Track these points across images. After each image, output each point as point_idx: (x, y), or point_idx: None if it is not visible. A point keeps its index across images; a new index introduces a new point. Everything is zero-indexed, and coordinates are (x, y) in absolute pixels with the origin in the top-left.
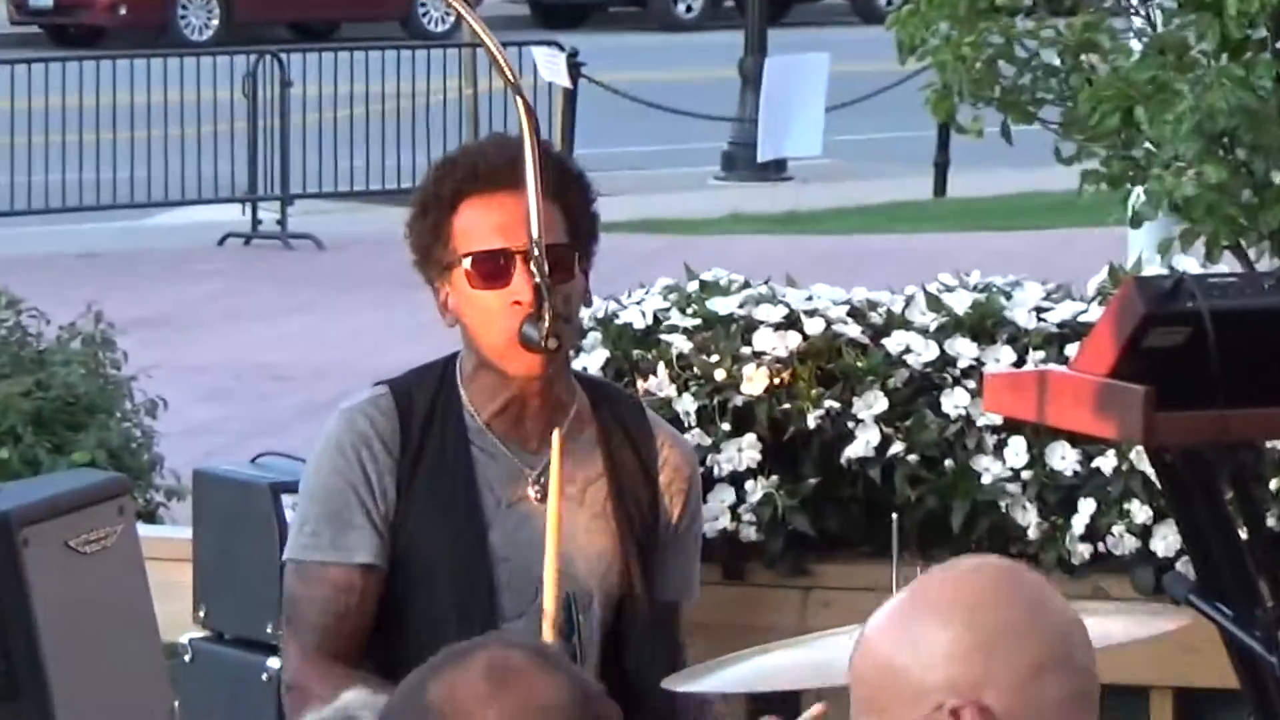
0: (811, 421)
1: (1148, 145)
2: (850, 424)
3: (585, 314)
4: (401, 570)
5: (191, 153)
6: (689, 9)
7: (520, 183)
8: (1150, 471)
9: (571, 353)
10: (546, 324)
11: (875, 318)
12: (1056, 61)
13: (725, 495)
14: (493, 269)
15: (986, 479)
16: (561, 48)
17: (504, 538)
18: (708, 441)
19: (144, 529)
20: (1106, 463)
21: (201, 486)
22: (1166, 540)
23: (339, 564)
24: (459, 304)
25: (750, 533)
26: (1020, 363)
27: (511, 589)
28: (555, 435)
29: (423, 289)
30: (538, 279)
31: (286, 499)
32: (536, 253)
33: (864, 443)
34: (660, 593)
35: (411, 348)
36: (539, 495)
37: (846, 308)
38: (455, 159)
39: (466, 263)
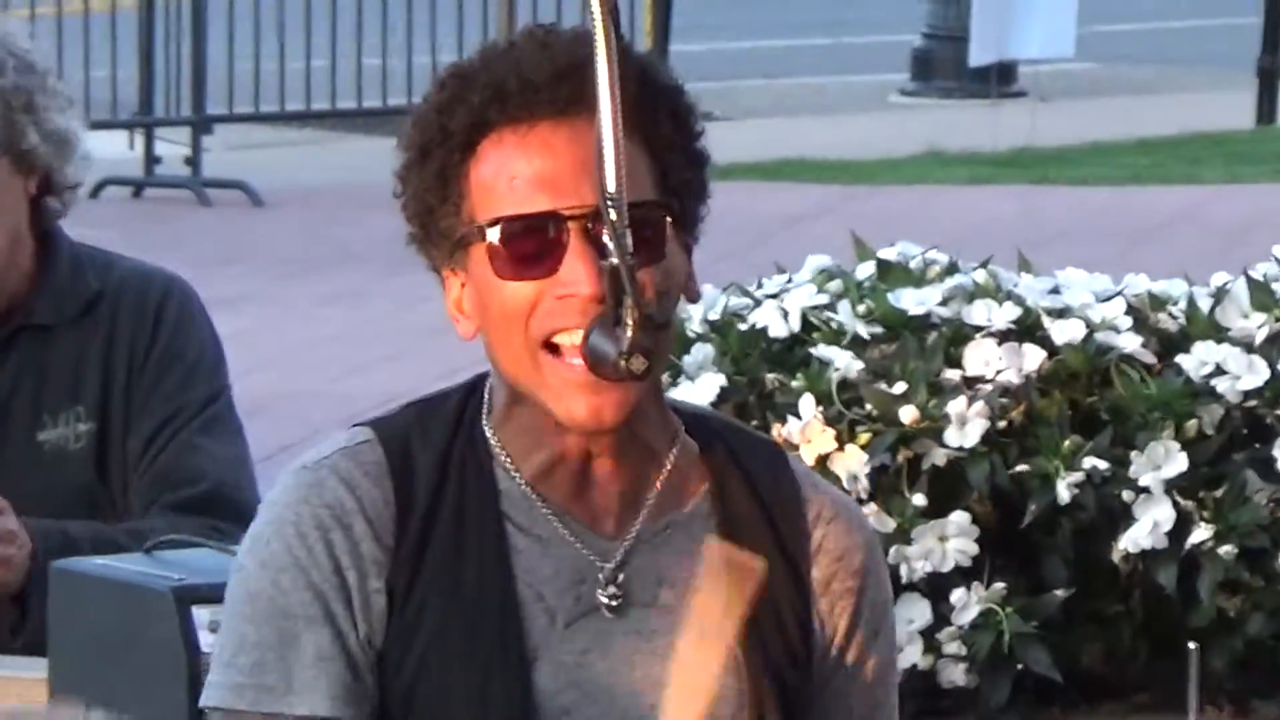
0: (1063, 492)
1: None
2: (1126, 495)
3: (691, 313)
4: None
5: (47, 49)
6: None
7: (573, 105)
8: None
9: (666, 377)
10: (629, 331)
11: (1165, 321)
12: None
13: (917, 612)
14: (533, 245)
15: None
16: None
17: (561, 676)
18: (890, 525)
19: None
20: None
21: (63, 592)
22: None
23: (292, 718)
24: (481, 301)
25: (957, 673)
26: None
27: None
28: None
29: (423, 271)
30: (614, 257)
31: (201, 613)
32: (613, 215)
33: (1148, 526)
34: None
35: (403, 367)
36: (614, 602)
37: (1120, 304)
38: (469, 71)
39: (492, 235)
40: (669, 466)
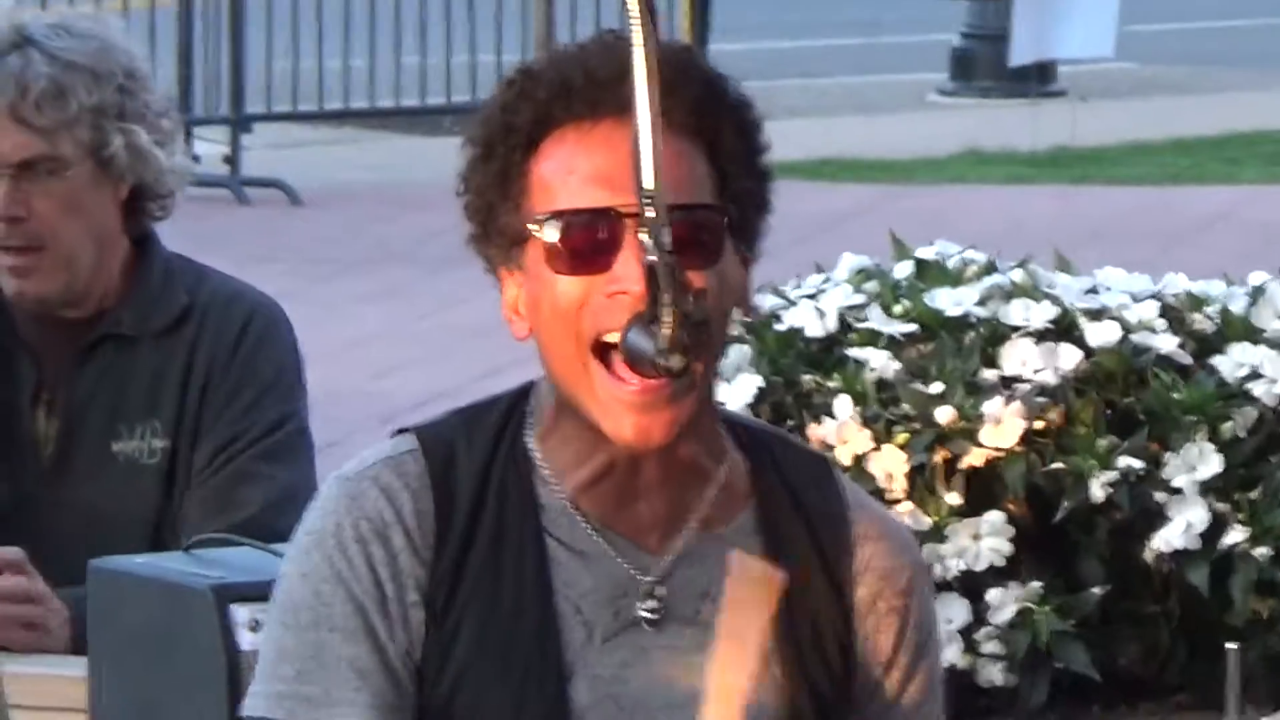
0: (1098, 492)
1: None
2: (1161, 496)
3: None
4: None
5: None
6: None
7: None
8: None
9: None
10: (667, 329)
11: (1201, 322)
12: None
13: (954, 612)
14: (588, 240)
15: None
16: None
17: (598, 690)
18: (925, 524)
19: (6, 661)
20: None
21: (102, 591)
22: None
23: None
24: (534, 300)
25: (994, 672)
26: None
27: None
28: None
29: (469, 268)
30: (651, 254)
31: (240, 612)
32: (650, 211)
33: (1182, 527)
34: None
35: (442, 367)
36: (655, 616)
37: (1155, 306)
38: (538, 69)
39: (549, 231)
40: (718, 483)
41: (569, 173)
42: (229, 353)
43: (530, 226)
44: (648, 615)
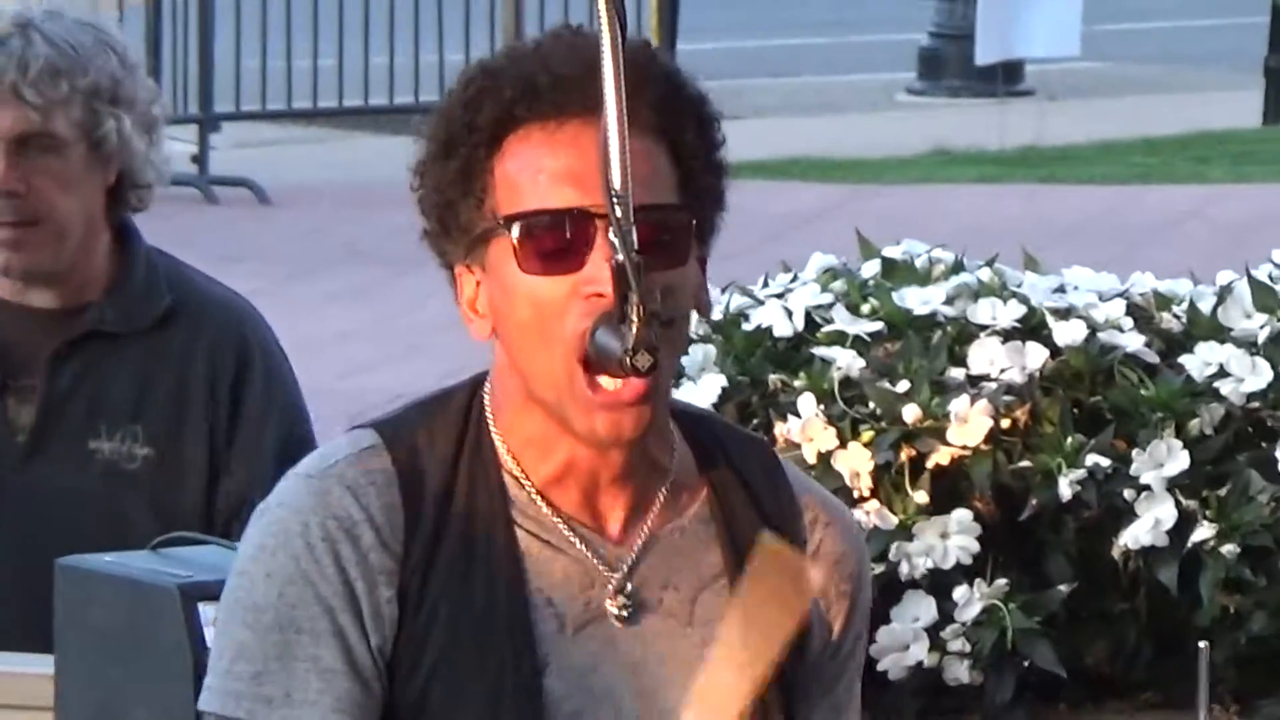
0: (1065, 490)
1: None
2: (1128, 494)
3: (695, 320)
4: None
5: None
6: None
7: (603, 106)
8: None
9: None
10: (636, 327)
11: (1169, 321)
12: None
13: (921, 609)
14: (557, 240)
15: None
16: None
17: (571, 681)
18: (891, 522)
19: None
20: None
21: (69, 590)
22: None
23: None
24: (499, 300)
25: (960, 670)
26: None
27: None
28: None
29: (431, 269)
30: (619, 253)
31: (208, 611)
32: (618, 211)
33: (1150, 525)
34: None
35: (412, 365)
36: (625, 611)
37: (1122, 304)
38: (499, 66)
39: (514, 230)
40: (672, 474)
41: (537, 172)
42: (233, 378)
43: (496, 226)
44: (617, 612)
